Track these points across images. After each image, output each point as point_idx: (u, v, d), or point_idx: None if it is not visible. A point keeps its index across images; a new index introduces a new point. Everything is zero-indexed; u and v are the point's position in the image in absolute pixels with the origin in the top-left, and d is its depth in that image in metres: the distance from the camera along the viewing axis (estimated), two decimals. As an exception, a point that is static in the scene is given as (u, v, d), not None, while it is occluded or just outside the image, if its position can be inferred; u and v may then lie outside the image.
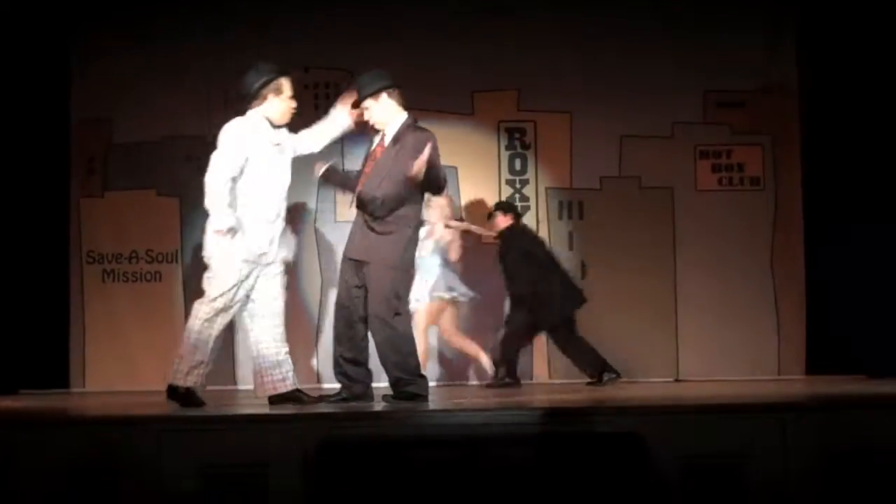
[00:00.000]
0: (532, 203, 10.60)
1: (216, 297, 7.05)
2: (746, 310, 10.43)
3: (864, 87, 9.99)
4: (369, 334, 7.31)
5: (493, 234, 9.90)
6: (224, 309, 7.07)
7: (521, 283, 9.66)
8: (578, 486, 5.62)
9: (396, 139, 7.30)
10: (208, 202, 7.11)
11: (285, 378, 7.22)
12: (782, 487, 5.75)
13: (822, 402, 6.79)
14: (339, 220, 10.42)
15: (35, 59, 10.08)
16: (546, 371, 10.48)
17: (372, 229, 7.26)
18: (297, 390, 7.25)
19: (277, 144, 7.22)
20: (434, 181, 7.26)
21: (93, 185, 10.53)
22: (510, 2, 10.47)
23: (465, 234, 9.92)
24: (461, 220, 10.13)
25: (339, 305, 7.37)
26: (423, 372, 7.46)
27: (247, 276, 7.11)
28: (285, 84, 7.25)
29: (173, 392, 7.08)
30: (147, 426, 5.90)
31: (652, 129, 10.56)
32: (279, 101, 7.21)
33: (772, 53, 10.60)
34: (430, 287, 9.58)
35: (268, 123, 7.19)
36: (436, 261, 9.64)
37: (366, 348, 7.35)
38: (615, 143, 10.60)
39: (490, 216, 10.03)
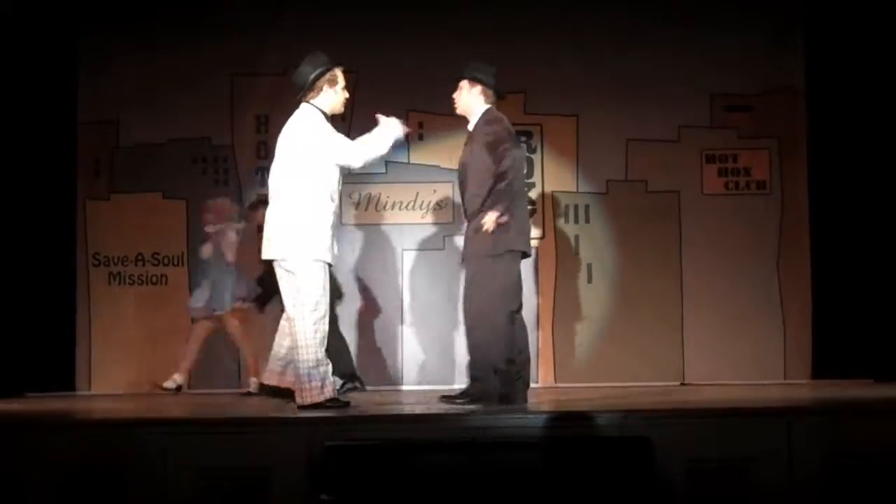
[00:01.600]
0: (538, 206, 10.58)
1: (315, 308, 6.93)
2: (752, 314, 10.41)
3: (871, 90, 9.97)
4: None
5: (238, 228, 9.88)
6: (324, 316, 6.97)
7: None
8: (584, 490, 5.61)
9: (473, 134, 7.32)
10: (313, 217, 6.88)
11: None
12: (787, 491, 5.74)
13: (827, 407, 6.79)
14: (345, 223, 10.43)
15: (42, 62, 10.08)
16: (552, 375, 10.46)
17: (469, 226, 7.31)
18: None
19: None
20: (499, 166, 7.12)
21: (99, 188, 10.54)
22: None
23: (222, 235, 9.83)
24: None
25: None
26: None
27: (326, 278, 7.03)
28: (340, 75, 7.11)
29: (319, 408, 6.92)
30: (152, 429, 5.90)
31: (658, 133, 10.55)
32: (333, 93, 7.06)
33: (778, 57, 10.58)
34: (223, 294, 9.70)
35: (323, 116, 7.10)
36: (220, 265, 9.76)
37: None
38: (622, 147, 10.58)
39: (252, 207, 9.77)
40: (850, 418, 6.02)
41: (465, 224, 7.42)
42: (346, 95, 7.17)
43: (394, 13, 10.41)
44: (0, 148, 9.90)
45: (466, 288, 7.31)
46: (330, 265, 7.05)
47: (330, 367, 7.02)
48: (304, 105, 7.07)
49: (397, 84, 10.34)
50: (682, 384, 10.30)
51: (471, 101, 7.36)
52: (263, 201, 9.63)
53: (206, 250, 9.75)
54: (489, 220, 7.05)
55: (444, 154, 10.05)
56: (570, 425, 5.95)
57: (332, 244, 7.02)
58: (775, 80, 10.61)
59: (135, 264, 10.49)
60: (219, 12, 10.46)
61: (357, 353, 10.35)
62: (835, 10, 10.19)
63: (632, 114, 10.49)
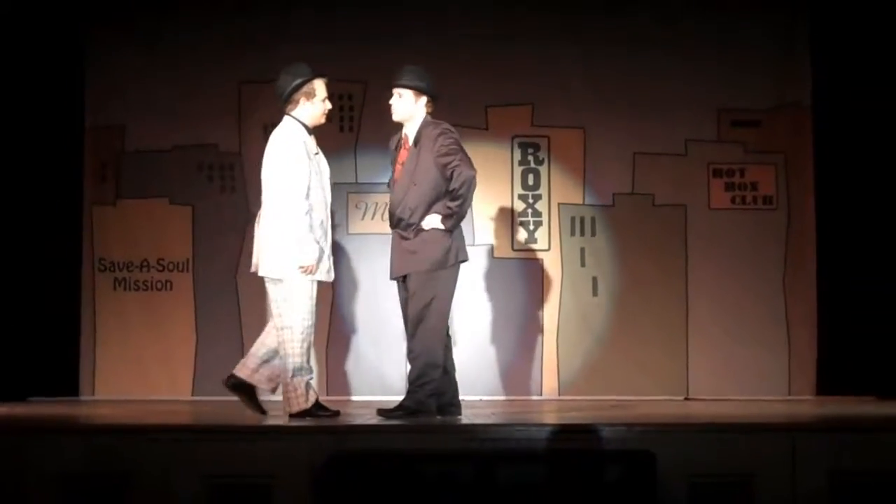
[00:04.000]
0: (545, 219, 10.57)
1: (304, 320, 7.02)
2: (757, 329, 10.38)
3: (878, 106, 9.97)
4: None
5: None
6: (311, 326, 7.07)
7: None
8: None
9: (417, 140, 7.27)
10: (293, 229, 6.91)
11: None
12: (790, 508, 5.73)
13: (831, 423, 6.78)
14: (352, 233, 10.42)
15: (48, 66, 10.10)
16: (555, 387, 10.44)
17: (406, 239, 7.27)
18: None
19: (316, 154, 7.15)
20: (453, 180, 7.17)
21: (105, 193, 10.52)
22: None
23: None
24: None
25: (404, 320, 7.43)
26: None
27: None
28: (319, 86, 7.14)
29: (304, 416, 7.01)
30: (155, 435, 5.90)
31: (665, 147, 10.53)
32: (311, 105, 7.11)
33: (785, 73, 10.56)
34: None
35: (304, 129, 7.12)
36: None
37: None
38: (628, 160, 10.56)
39: None
40: (854, 435, 6.01)
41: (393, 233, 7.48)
42: (328, 106, 7.23)
43: (401, 22, 10.41)
44: (7, 152, 9.93)
45: (415, 302, 7.25)
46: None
47: (312, 376, 7.08)
48: (285, 118, 7.12)
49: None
50: (685, 398, 10.28)
51: (412, 109, 7.36)
52: None
53: None
54: (433, 222, 7.15)
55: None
56: (573, 438, 5.94)
57: (322, 257, 7.05)
58: (782, 95, 10.59)
59: (140, 270, 10.48)
60: (227, 18, 10.47)
61: (363, 363, 10.35)
62: (842, 25, 10.20)
63: (639, 127, 10.48)
